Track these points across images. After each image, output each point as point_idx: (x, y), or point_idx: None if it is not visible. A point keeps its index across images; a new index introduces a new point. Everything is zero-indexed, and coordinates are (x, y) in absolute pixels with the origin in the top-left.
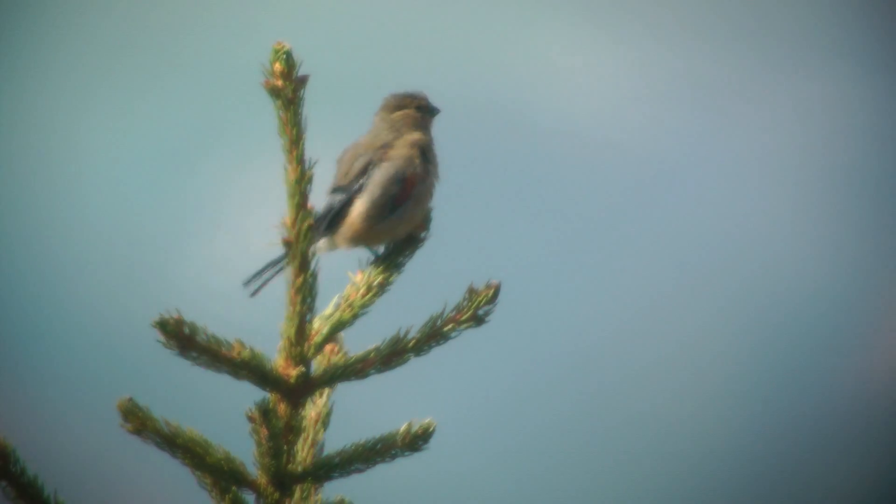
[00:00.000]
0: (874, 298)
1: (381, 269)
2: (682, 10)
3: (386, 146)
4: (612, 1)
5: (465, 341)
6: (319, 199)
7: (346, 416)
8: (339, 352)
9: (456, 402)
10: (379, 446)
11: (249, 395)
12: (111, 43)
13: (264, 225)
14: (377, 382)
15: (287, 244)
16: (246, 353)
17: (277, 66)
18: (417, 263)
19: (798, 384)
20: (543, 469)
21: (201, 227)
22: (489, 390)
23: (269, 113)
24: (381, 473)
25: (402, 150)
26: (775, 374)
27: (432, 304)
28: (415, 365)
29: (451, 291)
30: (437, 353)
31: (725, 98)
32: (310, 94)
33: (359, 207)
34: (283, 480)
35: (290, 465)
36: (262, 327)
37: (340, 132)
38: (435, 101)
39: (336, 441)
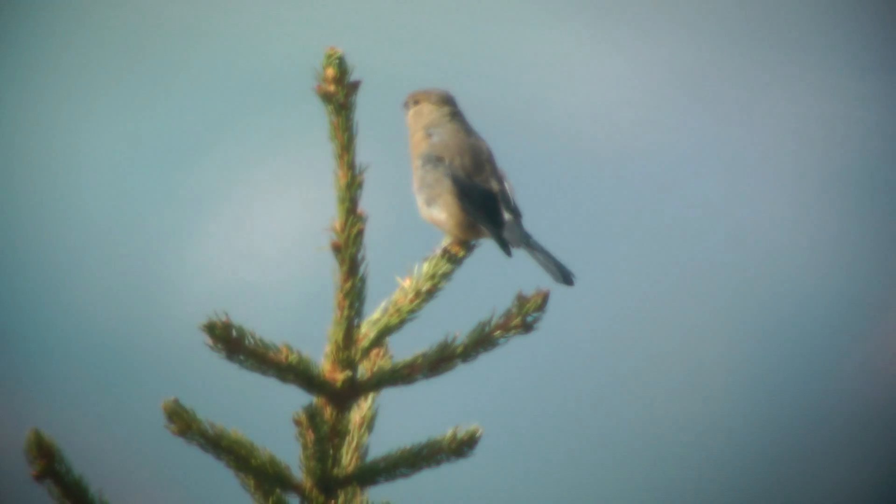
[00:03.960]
0: (874, 298)
1: (430, 274)
2: (683, 8)
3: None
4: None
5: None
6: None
7: (390, 419)
8: (385, 356)
9: (482, 404)
10: (424, 451)
11: (291, 397)
12: (114, 41)
13: (294, 226)
14: (422, 385)
15: (336, 249)
16: (293, 357)
17: (330, 72)
18: (463, 269)
19: (797, 384)
20: (546, 468)
21: (204, 228)
22: (515, 391)
23: (274, 113)
24: (426, 477)
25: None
26: (775, 374)
27: (476, 310)
28: (456, 369)
29: (492, 298)
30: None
31: (726, 96)
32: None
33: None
34: (329, 484)
35: (335, 469)
36: (265, 328)
37: (386, 136)
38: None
39: (380, 444)
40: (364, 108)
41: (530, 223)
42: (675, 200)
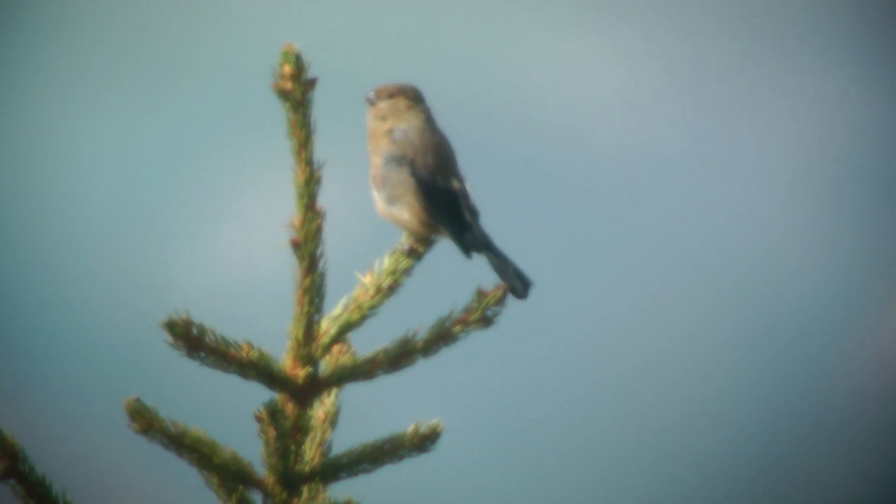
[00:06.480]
0: (874, 297)
1: (390, 270)
2: (680, 5)
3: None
4: None
5: (463, 340)
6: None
7: (352, 414)
8: (346, 352)
9: (454, 400)
10: (387, 447)
11: (255, 395)
12: (118, 42)
13: (268, 225)
14: (384, 381)
15: (295, 245)
16: (254, 354)
17: (286, 69)
18: (424, 265)
19: (796, 384)
20: (544, 468)
21: (204, 227)
22: (486, 388)
23: (275, 113)
24: (389, 473)
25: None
26: (773, 373)
27: (436, 305)
28: (420, 364)
29: (453, 293)
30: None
31: (723, 94)
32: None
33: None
34: (291, 480)
35: (297, 466)
36: (265, 325)
37: (345, 133)
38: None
39: (343, 440)
40: (329, 104)
41: (524, 221)
42: (672, 198)
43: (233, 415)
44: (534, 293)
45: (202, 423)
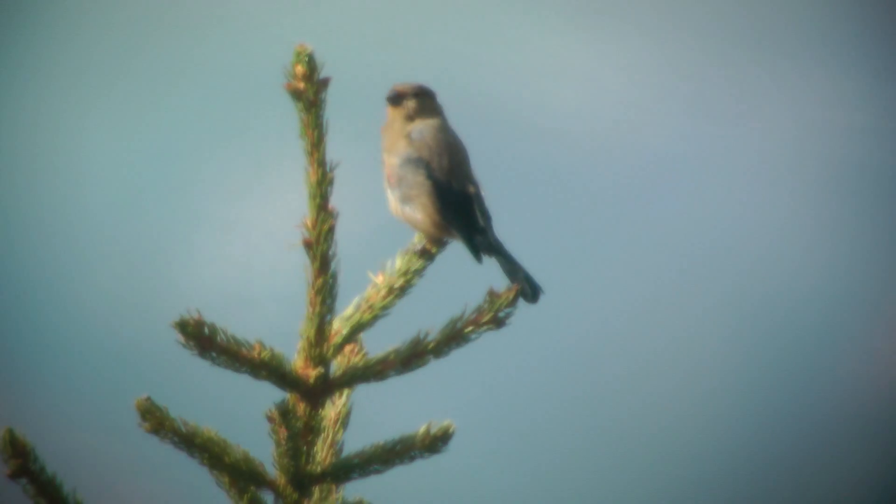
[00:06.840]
0: (874, 297)
1: (402, 270)
2: (678, 6)
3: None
4: None
5: (474, 341)
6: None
7: (364, 415)
8: (358, 353)
9: (466, 401)
10: (398, 447)
11: (266, 395)
12: (120, 42)
13: (275, 225)
14: (396, 382)
15: (308, 246)
16: (266, 354)
17: (299, 69)
18: (436, 266)
19: (796, 383)
20: (554, 467)
21: (216, 227)
22: (497, 389)
23: (281, 114)
24: (400, 474)
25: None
26: (773, 373)
27: (448, 306)
28: (432, 365)
29: (464, 294)
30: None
31: (722, 95)
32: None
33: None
34: (302, 481)
35: (309, 466)
36: (277, 325)
37: (357, 134)
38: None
39: (355, 441)
40: (341, 104)
41: (524, 223)
42: (673, 199)
43: (244, 415)
44: (542, 297)
45: (213, 423)
